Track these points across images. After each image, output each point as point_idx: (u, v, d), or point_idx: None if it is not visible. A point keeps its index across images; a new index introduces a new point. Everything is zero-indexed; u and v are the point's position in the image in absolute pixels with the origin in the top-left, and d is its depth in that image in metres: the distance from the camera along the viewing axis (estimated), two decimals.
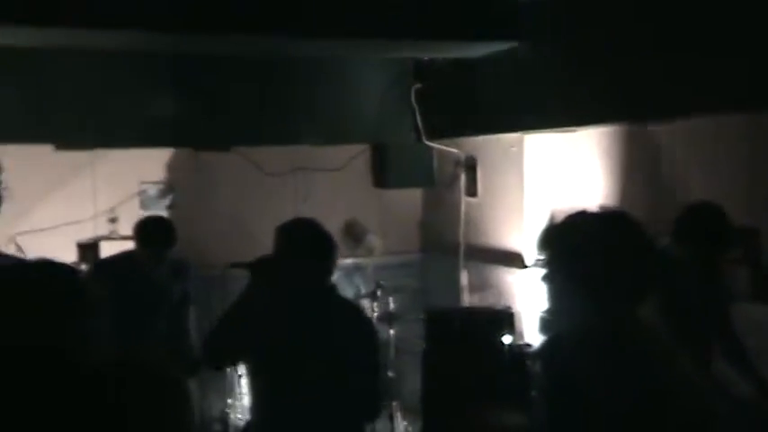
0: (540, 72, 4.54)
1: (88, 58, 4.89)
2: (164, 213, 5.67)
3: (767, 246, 3.76)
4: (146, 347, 4.11)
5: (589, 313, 2.00)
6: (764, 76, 3.30)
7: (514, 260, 5.35)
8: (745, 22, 3.35)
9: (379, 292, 5.56)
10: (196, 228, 5.52)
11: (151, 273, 4.36)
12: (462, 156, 5.83)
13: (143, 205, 5.67)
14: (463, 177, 5.83)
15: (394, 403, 5.35)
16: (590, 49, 4.14)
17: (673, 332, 2.11)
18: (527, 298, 5.16)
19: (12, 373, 1.64)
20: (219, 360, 3.45)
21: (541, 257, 2.17)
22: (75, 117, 5.02)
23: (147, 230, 4.36)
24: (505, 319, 4.98)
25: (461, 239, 5.82)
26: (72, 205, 5.48)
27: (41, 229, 5.29)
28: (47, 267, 1.76)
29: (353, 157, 6.14)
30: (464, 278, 5.84)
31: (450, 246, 5.94)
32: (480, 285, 5.71)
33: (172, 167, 5.78)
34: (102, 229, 5.53)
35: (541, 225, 5.13)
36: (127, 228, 5.49)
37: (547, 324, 2.13)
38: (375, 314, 5.47)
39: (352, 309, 3.39)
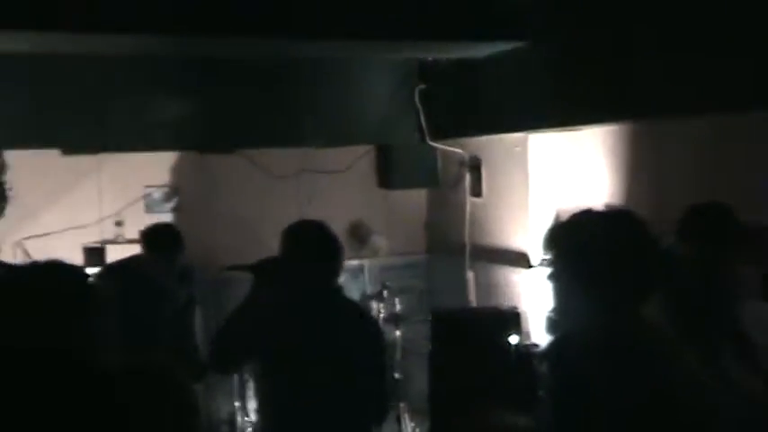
0: (543, 72, 4.53)
1: (93, 62, 4.90)
2: (169, 216, 5.70)
3: None
4: (152, 351, 4.12)
5: (595, 313, 1.99)
6: None
7: (520, 260, 5.34)
8: (751, 22, 3.34)
9: (385, 293, 5.55)
10: (201, 230, 5.53)
11: (158, 278, 4.37)
12: (467, 156, 5.83)
13: (148, 208, 5.69)
14: (468, 177, 5.83)
15: (401, 405, 5.34)
16: (593, 49, 4.13)
17: (679, 331, 2.11)
18: (533, 298, 5.15)
19: (18, 374, 1.64)
20: (227, 365, 3.46)
21: (547, 257, 2.16)
22: (81, 122, 5.03)
23: (156, 238, 4.36)
24: (512, 320, 4.97)
25: (467, 240, 5.82)
26: (78, 209, 5.50)
27: (48, 234, 5.31)
28: (55, 268, 1.77)
29: (358, 159, 6.14)
30: (470, 278, 5.84)
31: (455, 246, 5.93)
32: (486, 285, 5.71)
33: (176, 170, 5.79)
34: (108, 232, 5.54)
35: (547, 225, 5.12)
36: (132, 231, 5.51)
37: (553, 324, 2.12)
38: (381, 315, 5.47)
39: (359, 310, 3.39)
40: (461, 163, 5.89)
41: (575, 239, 2.06)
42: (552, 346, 2.17)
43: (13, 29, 3.71)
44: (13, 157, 5.08)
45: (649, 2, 3.81)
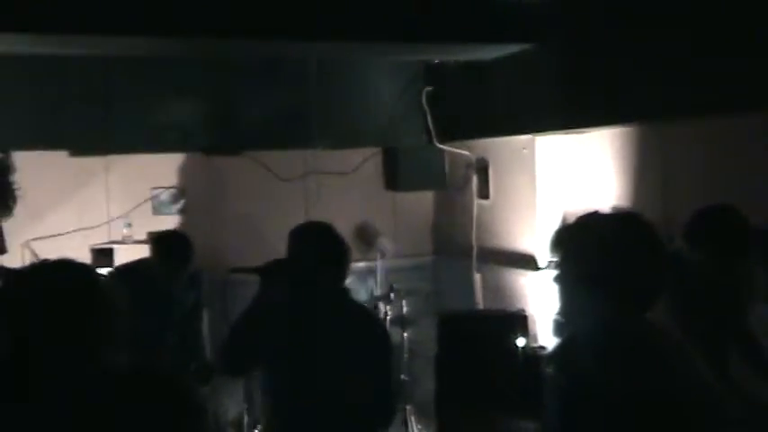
0: (550, 74, 4.52)
1: (101, 64, 4.92)
2: (176, 217, 5.71)
3: None
4: (160, 355, 4.13)
5: (602, 315, 1.99)
6: None
7: (527, 262, 5.34)
8: (758, 23, 3.33)
9: (391, 296, 5.55)
10: (208, 232, 5.54)
11: (166, 282, 4.38)
12: (474, 158, 5.83)
13: (156, 210, 5.70)
14: (475, 179, 5.83)
15: (407, 407, 5.34)
16: (600, 51, 4.13)
17: (686, 334, 2.10)
18: (540, 300, 5.14)
19: (27, 371, 1.65)
20: (238, 368, 3.46)
21: (553, 259, 2.16)
22: (89, 123, 5.05)
23: (167, 247, 4.35)
24: (519, 322, 4.97)
25: (474, 242, 5.81)
26: (85, 210, 5.52)
27: (56, 235, 5.33)
28: (66, 267, 1.77)
29: (365, 161, 6.14)
30: (477, 281, 5.83)
31: (462, 248, 5.93)
32: (493, 288, 5.70)
33: (184, 172, 5.81)
34: (116, 234, 5.56)
35: (554, 227, 5.11)
36: (140, 233, 5.53)
37: (560, 326, 2.12)
38: (388, 317, 5.46)
39: (365, 312, 3.39)
40: (468, 165, 5.89)
41: (581, 242, 2.06)
42: (559, 348, 2.17)
43: (21, 31, 3.72)
44: (21, 158, 5.10)
45: (656, 5, 3.80)
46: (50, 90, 4.92)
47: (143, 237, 5.53)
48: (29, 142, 4.97)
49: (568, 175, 5.16)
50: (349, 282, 3.26)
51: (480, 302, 5.80)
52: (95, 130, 5.05)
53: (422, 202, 6.41)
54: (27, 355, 1.66)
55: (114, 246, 5.46)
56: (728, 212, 3.38)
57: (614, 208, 2.15)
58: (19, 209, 5.04)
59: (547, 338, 5.03)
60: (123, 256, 5.23)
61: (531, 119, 4.81)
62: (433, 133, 5.67)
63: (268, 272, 3.11)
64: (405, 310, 5.55)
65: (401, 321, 5.48)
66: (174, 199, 5.76)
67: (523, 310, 5.10)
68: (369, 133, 5.78)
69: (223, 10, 3.92)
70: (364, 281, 5.97)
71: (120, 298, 1.78)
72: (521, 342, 4.86)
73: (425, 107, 5.66)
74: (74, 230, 5.41)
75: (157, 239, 4.44)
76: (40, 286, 1.72)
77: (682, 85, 3.71)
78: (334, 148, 5.77)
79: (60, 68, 4.86)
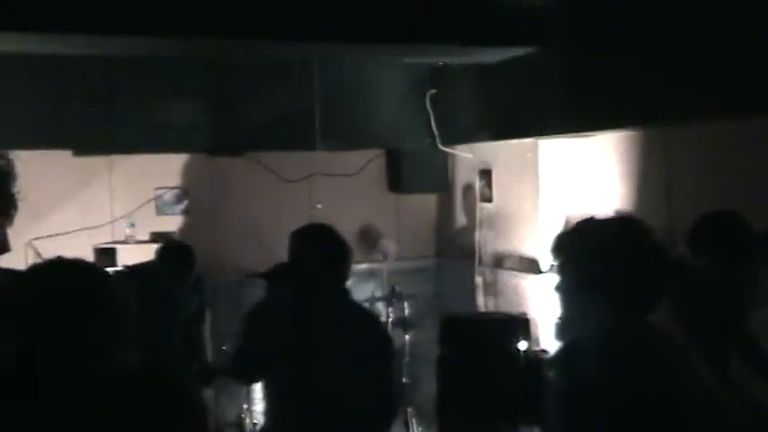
0: (554, 77, 4.52)
1: (104, 64, 4.92)
2: (179, 218, 5.72)
3: None
4: (163, 357, 4.14)
5: (604, 319, 1.99)
6: None
7: (530, 265, 5.33)
8: (762, 26, 3.32)
9: (394, 298, 5.55)
10: (211, 232, 5.55)
11: (171, 286, 4.42)
12: (477, 161, 5.83)
13: (159, 210, 5.71)
14: (478, 183, 5.83)
15: (409, 409, 5.34)
16: (605, 55, 4.12)
17: (688, 338, 2.10)
18: (542, 304, 5.13)
19: (37, 370, 1.65)
20: (251, 375, 3.48)
21: (555, 263, 2.16)
22: (92, 123, 5.05)
23: (171, 259, 4.43)
24: (521, 325, 4.96)
25: (477, 245, 5.81)
26: (89, 210, 5.52)
27: (59, 234, 5.33)
28: (76, 266, 1.77)
29: (368, 163, 6.14)
30: (479, 284, 5.83)
31: (465, 251, 5.93)
32: (496, 291, 5.70)
33: (187, 173, 5.81)
34: (119, 233, 5.56)
35: (556, 231, 5.11)
36: (143, 233, 5.54)
37: (562, 330, 2.11)
38: (390, 320, 5.46)
39: (367, 314, 3.39)
40: (472, 168, 5.89)
41: (583, 246, 2.06)
42: (561, 352, 2.17)
43: (23, 31, 3.73)
44: (24, 157, 5.09)
45: (661, 8, 3.80)
46: (53, 89, 4.92)
47: (146, 237, 5.54)
48: (31, 142, 4.96)
49: (572, 178, 5.15)
50: (351, 283, 3.26)
51: (482, 305, 5.80)
52: (98, 130, 5.05)
53: (425, 204, 6.41)
54: (36, 354, 1.66)
55: (117, 246, 5.46)
56: (731, 218, 3.38)
57: (616, 212, 2.15)
58: (22, 208, 5.03)
59: (549, 342, 5.02)
60: (126, 255, 5.24)
61: (535, 122, 4.81)
62: (437, 136, 5.66)
63: (273, 276, 3.13)
64: (407, 312, 5.55)
65: (403, 324, 5.48)
66: (178, 199, 5.77)
67: (525, 314, 5.10)
68: (372, 135, 5.77)
69: (225, 10, 3.91)
70: (366, 283, 5.96)
71: (129, 298, 1.78)
72: (523, 345, 4.85)
73: (429, 110, 5.65)
74: (77, 230, 5.42)
75: (162, 251, 4.48)
76: (50, 285, 1.71)
77: (685, 89, 3.70)
78: (338, 149, 5.77)
79: (62, 68, 4.87)
